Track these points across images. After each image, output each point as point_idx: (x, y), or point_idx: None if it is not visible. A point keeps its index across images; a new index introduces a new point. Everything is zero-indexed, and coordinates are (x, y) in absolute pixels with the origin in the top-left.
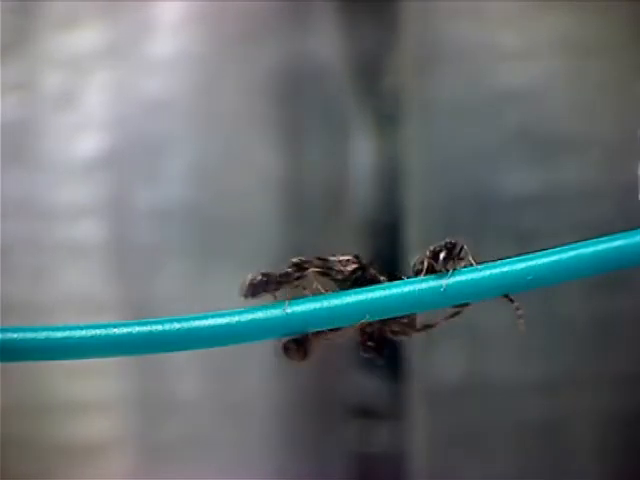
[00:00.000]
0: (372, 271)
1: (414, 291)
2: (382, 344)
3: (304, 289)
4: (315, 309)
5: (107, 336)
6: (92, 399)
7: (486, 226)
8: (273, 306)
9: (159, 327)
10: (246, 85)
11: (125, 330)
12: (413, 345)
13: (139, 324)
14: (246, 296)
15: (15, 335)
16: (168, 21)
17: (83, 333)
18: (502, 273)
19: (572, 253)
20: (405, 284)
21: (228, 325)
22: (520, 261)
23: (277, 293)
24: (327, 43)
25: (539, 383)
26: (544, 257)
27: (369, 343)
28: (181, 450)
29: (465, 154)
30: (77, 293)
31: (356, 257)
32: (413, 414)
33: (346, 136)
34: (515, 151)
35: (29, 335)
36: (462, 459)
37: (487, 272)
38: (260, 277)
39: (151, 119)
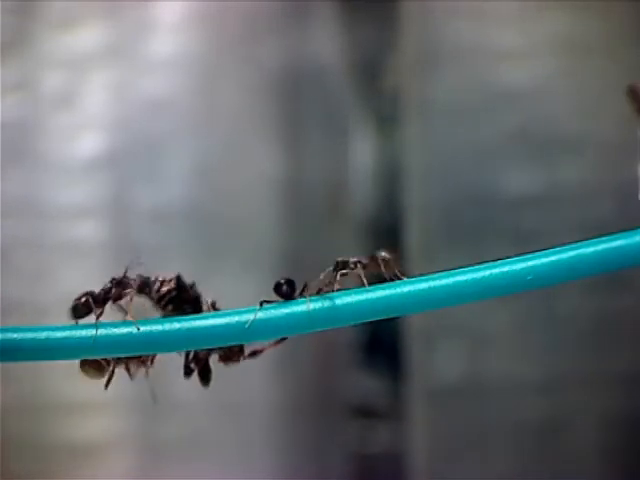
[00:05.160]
0: (192, 293)
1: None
2: (207, 369)
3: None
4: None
5: (107, 336)
6: (92, 399)
7: (486, 226)
8: (274, 307)
9: (159, 327)
10: (246, 85)
11: (125, 330)
12: (413, 345)
13: (139, 324)
14: (75, 317)
15: (15, 335)
16: (168, 21)
17: (83, 333)
18: (502, 273)
19: (572, 253)
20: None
21: (228, 325)
22: (520, 261)
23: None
24: (327, 43)
25: (539, 383)
26: (544, 257)
27: (192, 365)
28: (181, 450)
29: (465, 154)
30: (77, 293)
31: (177, 279)
32: (413, 414)
33: (346, 136)
34: (515, 151)
35: (29, 335)
36: (462, 459)
37: (487, 272)
38: (84, 297)
39: (151, 119)
